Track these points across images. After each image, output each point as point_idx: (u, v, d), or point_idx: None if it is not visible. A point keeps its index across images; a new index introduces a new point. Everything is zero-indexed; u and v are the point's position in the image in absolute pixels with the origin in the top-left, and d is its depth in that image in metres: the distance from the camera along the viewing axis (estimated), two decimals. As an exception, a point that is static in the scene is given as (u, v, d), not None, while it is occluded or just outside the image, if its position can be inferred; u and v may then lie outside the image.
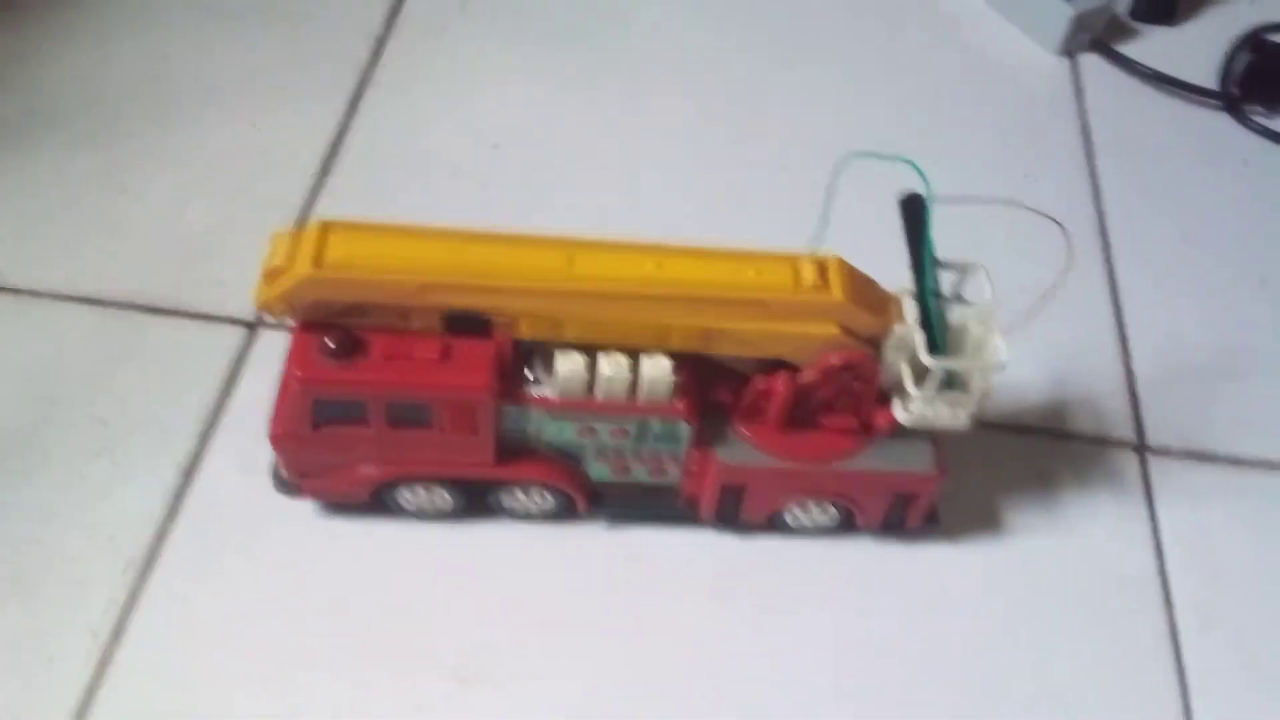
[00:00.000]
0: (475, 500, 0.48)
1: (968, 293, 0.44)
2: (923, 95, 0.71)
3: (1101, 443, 0.55)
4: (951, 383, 0.44)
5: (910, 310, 0.43)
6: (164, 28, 0.69)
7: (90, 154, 0.61)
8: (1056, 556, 0.51)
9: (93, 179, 0.60)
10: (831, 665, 0.46)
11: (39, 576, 0.46)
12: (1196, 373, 0.58)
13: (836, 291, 0.42)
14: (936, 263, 0.43)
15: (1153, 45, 0.75)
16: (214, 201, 0.60)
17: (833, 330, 0.43)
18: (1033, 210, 0.45)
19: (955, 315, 0.44)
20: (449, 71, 0.68)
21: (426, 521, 0.48)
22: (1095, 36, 0.74)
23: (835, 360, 0.43)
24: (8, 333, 0.53)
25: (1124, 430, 0.55)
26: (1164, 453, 0.55)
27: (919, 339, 0.43)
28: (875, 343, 0.44)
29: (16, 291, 0.55)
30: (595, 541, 0.49)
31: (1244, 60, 0.74)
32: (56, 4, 0.69)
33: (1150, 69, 0.72)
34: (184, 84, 0.65)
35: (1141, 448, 0.55)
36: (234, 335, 0.54)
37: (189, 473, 0.49)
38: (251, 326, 0.54)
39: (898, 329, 0.43)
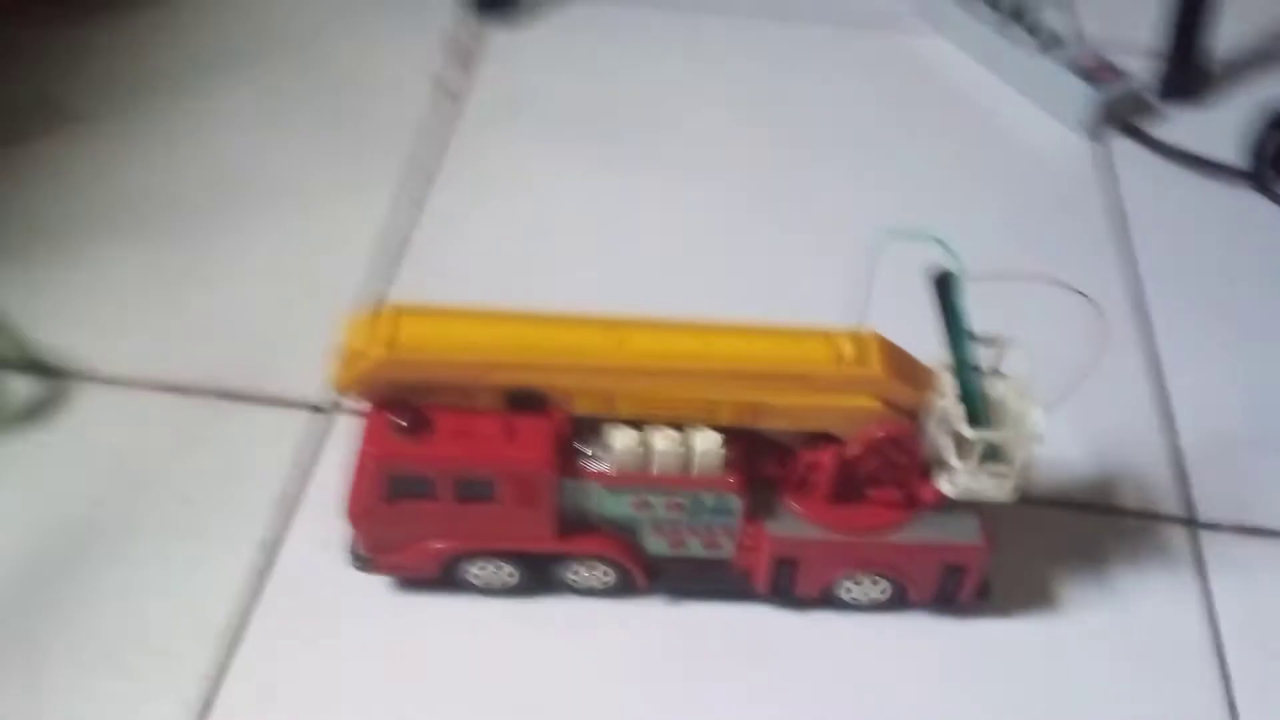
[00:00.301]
0: (539, 575, 0.50)
1: (1004, 368, 0.46)
2: (956, 179, 0.74)
3: (1150, 517, 0.56)
4: (993, 455, 0.46)
5: (949, 384, 0.45)
6: (223, 132, 0.73)
7: (166, 250, 0.65)
8: (1110, 630, 0.51)
9: (170, 274, 0.64)
10: (885, 735, 0.47)
11: (132, 649, 0.48)
12: (1242, 446, 0.59)
13: (875, 365, 0.44)
14: (972, 338, 0.45)
15: (1182, 125, 0.77)
16: (286, 293, 0.64)
17: (873, 403, 0.45)
18: (1064, 285, 0.47)
19: (993, 389, 0.46)
20: (503, 169, 0.73)
21: (493, 597, 0.50)
22: (1124, 120, 0.77)
23: (878, 433, 0.45)
24: (97, 419, 0.57)
25: (1172, 505, 0.56)
26: (1214, 527, 0.55)
27: (959, 412, 0.44)
28: (916, 416, 0.46)
29: (108, 381, 0.59)
30: (654, 615, 0.51)
31: (1273, 138, 0.75)
32: (126, 117, 0.74)
33: (1179, 149, 0.75)
34: (249, 185, 0.70)
35: (1191, 522, 0.56)
36: (311, 419, 0.57)
37: (271, 550, 0.52)
38: (327, 411, 0.58)
39: (938, 402, 0.45)
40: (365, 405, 0.46)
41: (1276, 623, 0.52)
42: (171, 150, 0.72)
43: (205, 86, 0.77)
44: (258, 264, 0.65)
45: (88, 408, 0.57)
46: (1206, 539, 0.55)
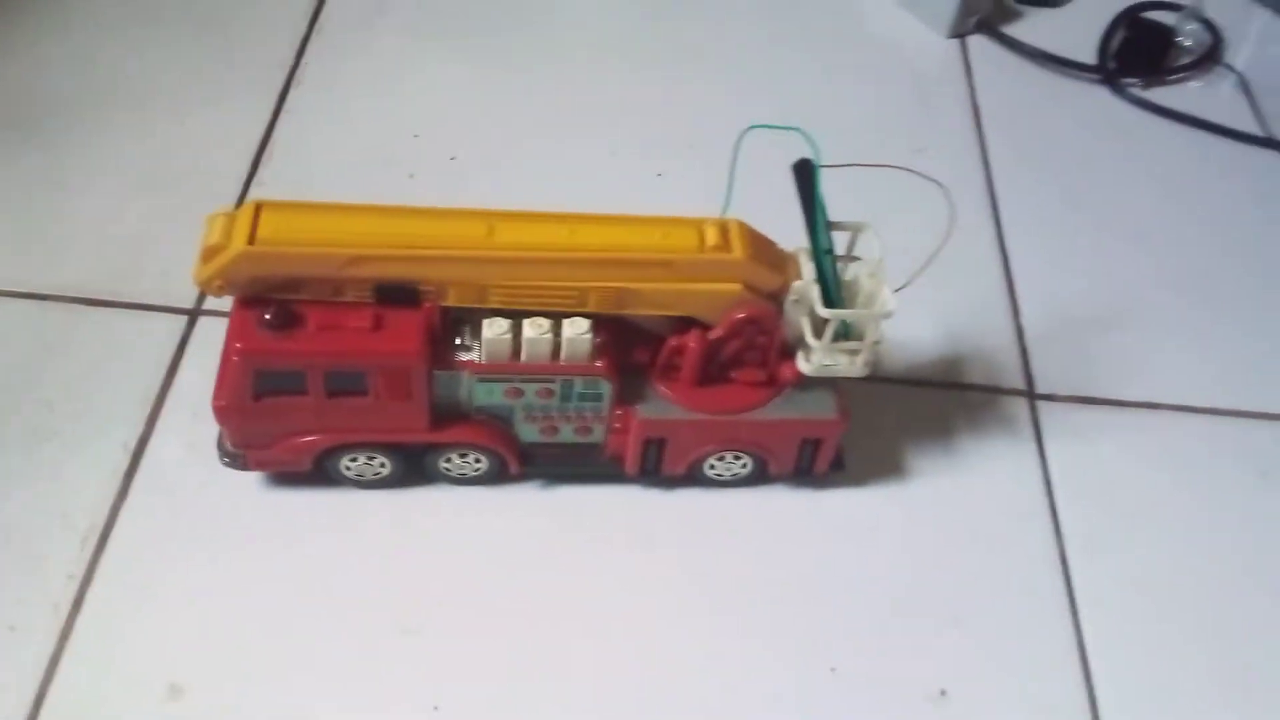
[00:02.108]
0: (413, 466, 0.51)
1: (860, 251, 0.48)
2: (820, 75, 0.75)
3: (994, 391, 0.60)
4: (848, 334, 0.48)
5: (807, 268, 0.47)
6: (94, 32, 0.71)
7: (29, 154, 0.63)
8: (956, 495, 0.55)
9: (32, 178, 0.62)
10: (748, 601, 0.50)
11: (-3, 554, 0.48)
12: (1080, 325, 0.63)
13: (738, 251, 0.46)
14: (829, 224, 0.47)
15: (1036, 25, 0.81)
16: (150, 197, 0.62)
17: (736, 288, 0.46)
18: (917, 174, 0.49)
19: (848, 272, 0.49)
20: (370, 67, 0.71)
21: (368, 489, 0.51)
22: (982, 19, 0.79)
23: (740, 315, 0.47)
24: (-47, 327, 0.55)
25: (1015, 380, 0.60)
26: (1051, 398, 0.59)
27: (815, 293, 0.46)
28: (777, 299, 0.48)
29: (-41, 289, 0.57)
30: (528, 500, 0.52)
31: (1120, 37, 0.79)
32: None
33: (1034, 47, 0.78)
34: (115, 86, 0.68)
35: (1031, 394, 0.60)
36: (174, 323, 0.56)
37: (137, 453, 0.51)
38: (191, 315, 0.57)
39: (796, 285, 0.47)
40: (231, 304, 0.46)
41: (1104, 482, 0.56)
42: (42, 50, 0.69)
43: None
44: (120, 168, 0.63)
45: (-61, 315, 0.55)
46: (1044, 409, 0.59)
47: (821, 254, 0.47)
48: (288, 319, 0.45)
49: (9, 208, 0.60)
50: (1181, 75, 0.79)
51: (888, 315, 0.47)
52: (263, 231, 0.43)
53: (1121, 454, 0.57)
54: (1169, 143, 0.74)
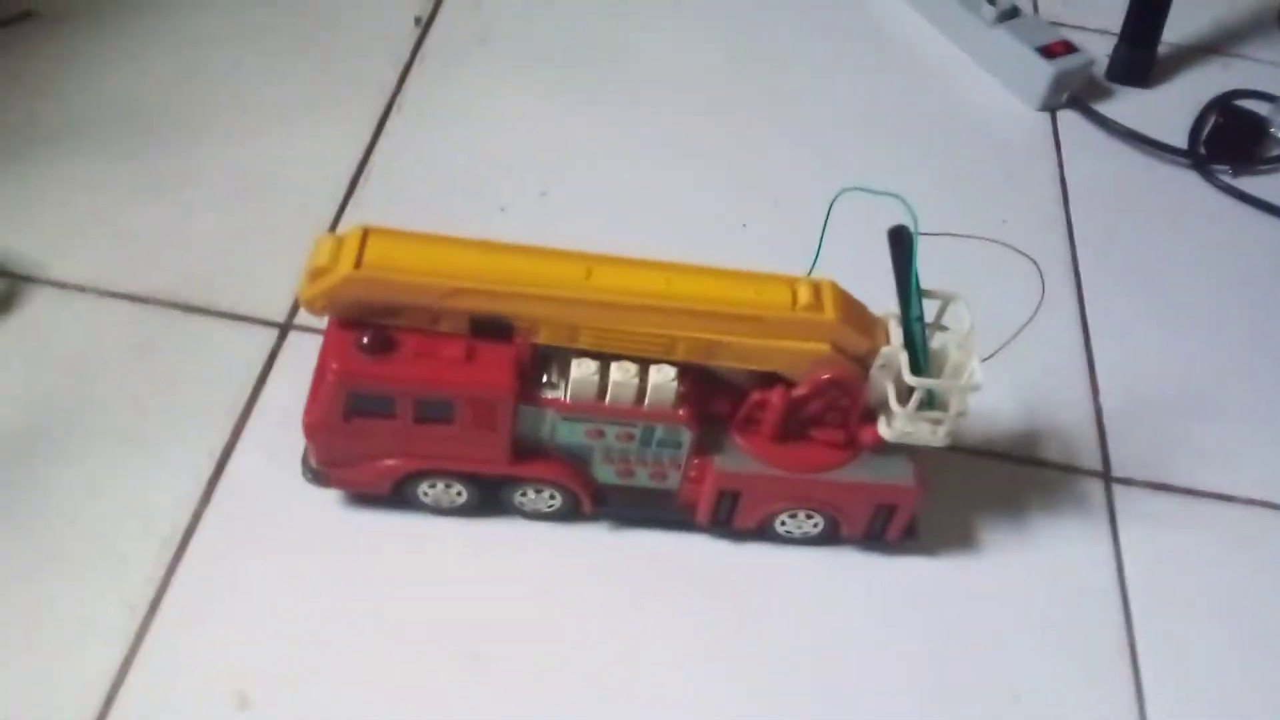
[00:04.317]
0: (489, 498, 0.51)
1: (948, 321, 0.49)
2: (912, 142, 0.76)
3: (1070, 470, 0.59)
4: (932, 403, 0.48)
5: (895, 333, 0.47)
6: (201, 49, 0.73)
7: (133, 163, 0.65)
8: (1025, 572, 0.54)
9: (134, 185, 0.64)
10: (809, 663, 0.50)
11: (80, 551, 0.49)
12: (1159, 409, 0.63)
13: (829, 311, 0.46)
14: (921, 291, 0.47)
15: (1128, 105, 0.81)
16: (248, 210, 0.64)
17: (824, 348, 0.47)
18: (1010, 247, 0.50)
19: (936, 341, 0.49)
20: (468, 97, 0.73)
21: (443, 516, 0.52)
22: (1074, 94, 0.79)
23: (825, 375, 0.47)
24: (51, 322, 0.57)
25: (1091, 460, 0.60)
26: (1127, 482, 0.59)
27: (903, 359, 0.47)
28: (863, 362, 0.48)
29: (61, 285, 0.58)
30: (598, 540, 0.52)
31: (1212, 122, 0.79)
32: (97, 21, 0.73)
33: (1124, 126, 0.78)
34: (220, 102, 0.70)
35: (1107, 476, 0.59)
36: (266, 335, 0.58)
37: (221, 461, 0.52)
38: (282, 328, 0.58)
39: (884, 350, 0.47)
40: (326, 323, 0.47)
41: (1177, 571, 0.55)
42: (143, 64, 0.71)
43: (186, 5, 0.75)
44: (221, 180, 0.65)
45: (41, 312, 0.57)
46: (1120, 493, 0.58)
47: (912, 321, 0.47)
48: (384, 343, 0.46)
49: (110, 212, 0.62)
50: (1273, 166, 0.78)
51: (975, 388, 0.47)
52: (369, 257, 0.44)
53: (1196, 544, 0.57)
54: (1257, 232, 0.74)
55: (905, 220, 0.45)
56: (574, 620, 0.50)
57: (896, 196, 0.44)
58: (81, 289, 0.58)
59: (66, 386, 0.54)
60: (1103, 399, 0.62)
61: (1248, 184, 0.76)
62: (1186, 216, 0.74)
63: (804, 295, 0.46)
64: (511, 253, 0.46)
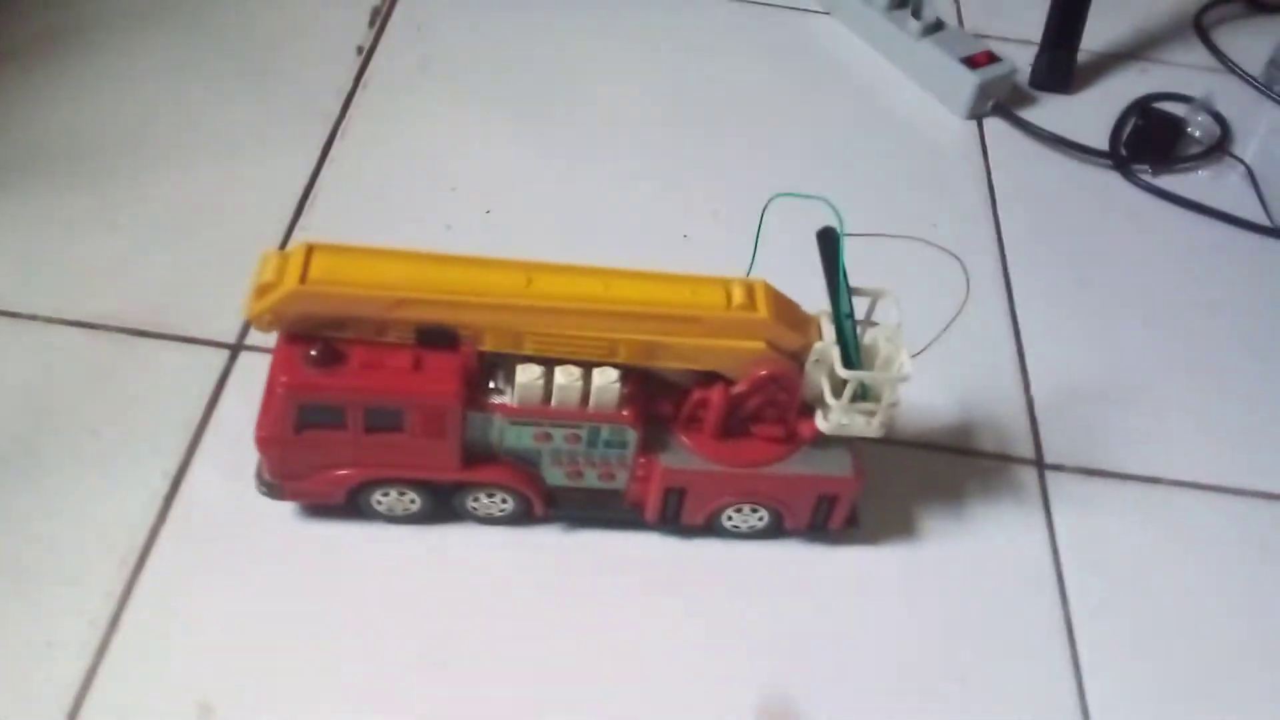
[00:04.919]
0: (442, 504, 0.52)
1: (878, 317, 0.51)
2: (842, 151, 0.78)
3: (1004, 459, 0.61)
4: (865, 395, 0.50)
5: (828, 330, 0.49)
6: (146, 80, 0.74)
7: (81, 194, 0.66)
8: (965, 558, 0.56)
9: (83, 216, 0.65)
10: (758, 651, 0.51)
11: (39, 570, 0.49)
12: (1088, 399, 0.65)
13: (762, 310, 0.48)
14: (850, 289, 0.49)
15: (1051, 111, 0.84)
16: (196, 237, 0.65)
17: (760, 345, 0.48)
18: (933, 245, 0.52)
19: (867, 336, 0.51)
20: (411, 122, 0.75)
21: (397, 524, 0.53)
22: (998, 102, 0.83)
23: (763, 372, 0.49)
24: (4, 351, 0.57)
25: (1024, 448, 0.62)
26: (1059, 468, 0.61)
27: (835, 354, 0.49)
28: (798, 358, 0.50)
29: (13, 315, 0.59)
30: (550, 542, 0.54)
31: (1132, 124, 0.82)
32: (42, 56, 0.74)
33: (1048, 131, 0.81)
34: (166, 133, 0.71)
35: (1040, 464, 0.61)
36: (216, 356, 0.59)
37: (176, 479, 0.53)
38: (233, 349, 0.59)
39: (817, 345, 0.49)
40: (276, 340, 0.48)
41: (1110, 552, 0.58)
42: (87, 98, 0.72)
43: (125, 37, 0.77)
44: (170, 208, 0.66)
45: (-8, 341, 0.58)
46: (1052, 479, 0.61)
47: (842, 317, 0.49)
48: (331, 356, 0.47)
49: (59, 242, 0.63)
50: (1191, 164, 0.82)
51: (905, 379, 0.49)
52: (314, 272, 0.46)
53: (1127, 525, 0.59)
54: (1177, 228, 0.77)
55: (833, 222, 0.48)
56: (531, 622, 0.51)
57: (823, 199, 0.47)
58: (33, 317, 0.59)
59: (22, 412, 0.55)
60: (1034, 390, 0.65)
61: (1167, 182, 0.80)
62: (1110, 215, 0.77)
63: (738, 295, 0.48)
64: (454, 263, 0.47)
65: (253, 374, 0.57)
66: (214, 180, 0.68)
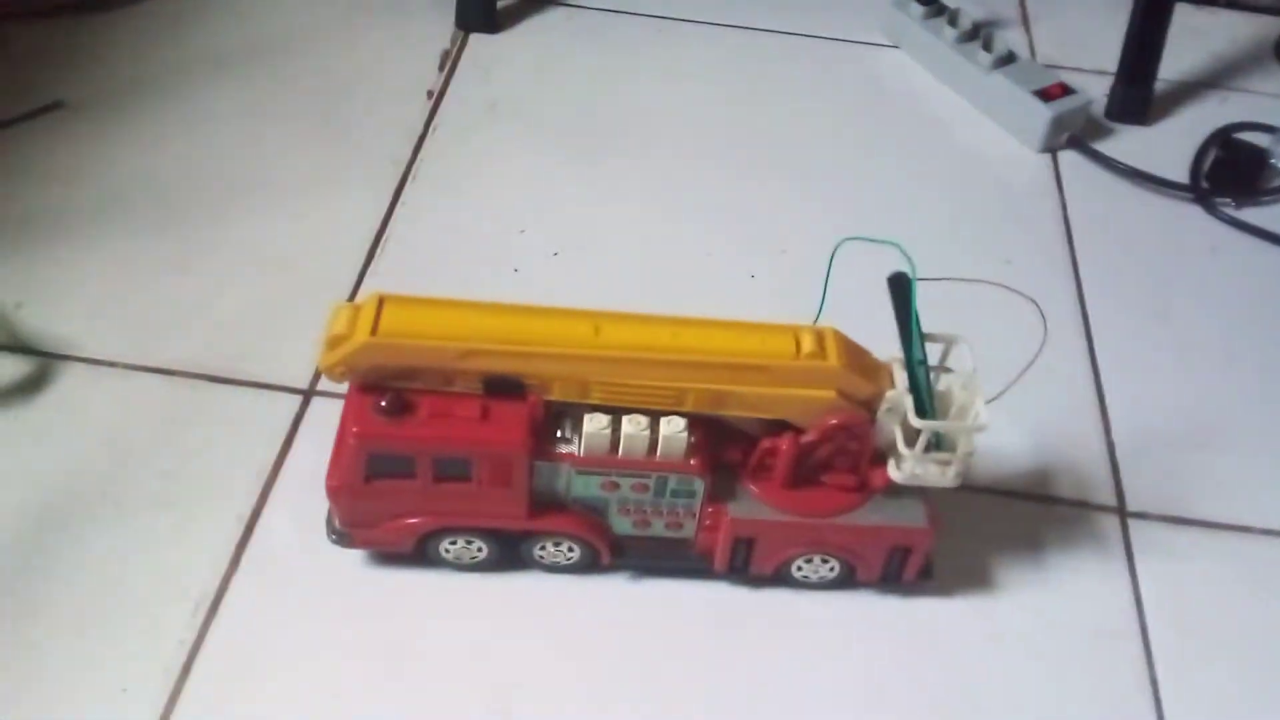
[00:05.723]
0: (509, 552, 0.52)
1: (952, 363, 0.50)
2: (913, 187, 0.77)
3: (1084, 506, 0.59)
4: (940, 444, 0.49)
5: (900, 377, 0.48)
6: (221, 126, 0.76)
7: (155, 240, 0.68)
8: (1043, 611, 0.55)
9: (158, 263, 0.66)
10: (831, 705, 0.50)
11: (115, 614, 0.50)
12: (1172, 443, 0.63)
13: (833, 358, 0.47)
14: (922, 335, 0.48)
15: (1128, 143, 0.82)
16: (270, 283, 0.66)
17: (830, 394, 0.48)
18: (1008, 288, 0.51)
19: (941, 383, 0.50)
20: (480, 166, 0.75)
21: (464, 572, 0.53)
22: (1074, 135, 0.81)
23: (833, 421, 0.48)
24: (83, 397, 0.59)
25: (1105, 495, 0.60)
26: (1142, 516, 0.59)
27: (908, 403, 0.48)
28: (869, 406, 0.49)
29: (93, 361, 0.61)
30: (617, 591, 0.53)
31: (1213, 156, 0.80)
32: (119, 104, 0.76)
33: (1125, 164, 0.79)
34: (240, 178, 0.72)
35: (1122, 511, 0.59)
36: (290, 402, 0.59)
37: (250, 525, 0.54)
38: (305, 394, 0.60)
39: (889, 394, 0.48)
40: (346, 389, 0.48)
41: (1196, 605, 0.55)
42: (165, 145, 0.74)
43: (200, 85, 0.79)
44: (243, 254, 0.67)
45: (74, 387, 0.59)
46: (1135, 527, 0.58)
47: (915, 364, 0.48)
48: (401, 406, 0.47)
49: (138, 289, 0.65)
50: (1276, 196, 0.79)
51: (981, 429, 0.47)
52: (385, 324, 0.46)
53: (1215, 577, 0.57)
54: (1262, 262, 0.74)
55: (904, 266, 0.47)
56: (599, 671, 0.51)
57: (894, 244, 0.46)
58: (112, 364, 0.61)
59: (100, 458, 0.56)
60: (1115, 434, 0.63)
61: (1251, 215, 0.77)
62: (1191, 250, 0.75)
63: (807, 343, 0.47)
64: (521, 313, 0.47)
65: (324, 420, 0.58)
66: (287, 225, 0.69)
